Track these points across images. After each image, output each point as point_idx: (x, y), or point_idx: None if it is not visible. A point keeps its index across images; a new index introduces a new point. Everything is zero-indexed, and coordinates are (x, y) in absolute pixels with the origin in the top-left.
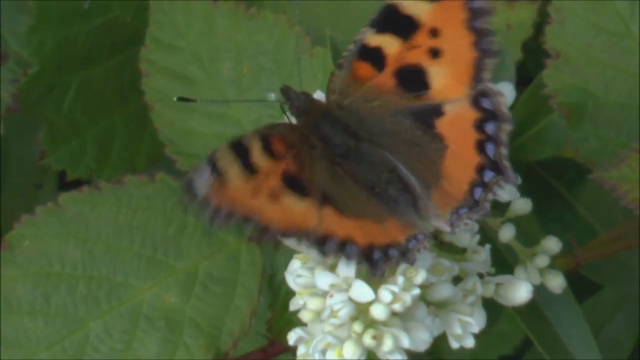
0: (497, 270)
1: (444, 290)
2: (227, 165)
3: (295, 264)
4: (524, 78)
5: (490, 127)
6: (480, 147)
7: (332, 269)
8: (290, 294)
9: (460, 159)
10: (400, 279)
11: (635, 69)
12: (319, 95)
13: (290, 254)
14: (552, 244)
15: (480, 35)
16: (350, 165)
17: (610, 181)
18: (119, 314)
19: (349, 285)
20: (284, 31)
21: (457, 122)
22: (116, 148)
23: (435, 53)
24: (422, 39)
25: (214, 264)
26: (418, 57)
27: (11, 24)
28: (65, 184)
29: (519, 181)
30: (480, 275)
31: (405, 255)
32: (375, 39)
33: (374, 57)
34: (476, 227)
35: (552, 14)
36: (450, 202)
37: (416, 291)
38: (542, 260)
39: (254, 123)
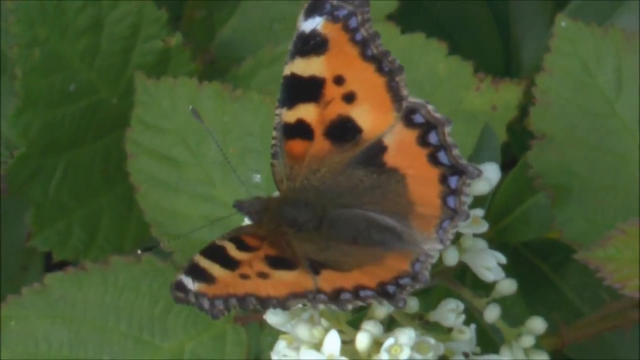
0: (482, 350)
1: None
2: (207, 266)
3: (280, 344)
4: (510, 160)
5: (433, 137)
6: (433, 159)
7: (318, 347)
8: None
9: (421, 179)
10: (385, 356)
11: (621, 150)
12: None
13: (276, 334)
14: (538, 324)
15: (379, 61)
16: (328, 232)
17: (595, 261)
18: None
19: None
20: (269, 112)
21: (402, 148)
22: (103, 229)
23: (349, 98)
24: (331, 92)
25: (200, 344)
26: (337, 109)
27: (1, 107)
28: (52, 266)
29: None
30: (466, 355)
31: (417, 279)
32: (291, 115)
33: (300, 130)
34: (461, 306)
35: (536, 96)
36: (431, 222)
37: None
38: (528, 340)
39: None
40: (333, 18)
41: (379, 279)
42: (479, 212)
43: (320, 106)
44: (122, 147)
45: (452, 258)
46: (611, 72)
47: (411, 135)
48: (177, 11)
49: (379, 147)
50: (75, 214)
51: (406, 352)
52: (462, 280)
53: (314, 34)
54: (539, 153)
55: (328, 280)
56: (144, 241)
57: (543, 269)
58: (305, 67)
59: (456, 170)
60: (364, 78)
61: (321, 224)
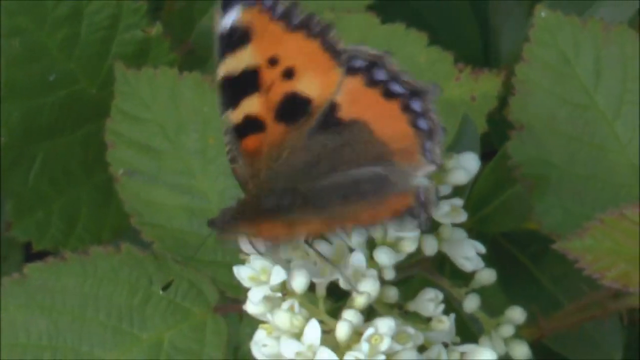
0: (461, 340)
1: (409, 358)
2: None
3: (260, 334)
4: (489, 150)
5: (379, 74)
6: (388, 93)
7: (298, 337)
8: None
9: (385, 118)
10: (365, 346)
11: (599, 141)
12: None
13: (255, 325)
14: (517, 314)
15: (307, 27)
16: (319, 201)
17: (574, 251)
18: None
19: (314, 353)
20: None
21: (354, 96)
22: (82, 219)
23: (289, 73)
24: (270, 75)
25: (179, 335)
26: (281, 89)
27: None
28: (31, 256)
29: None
30: (445, 345)
31: (427, 207)
32: (238, 114)
33: (251, 126)
34: (441, 296)
35: (516, 86)
36: (412, 149)
37: (381, 358)
38: (507, 330)
39: (219, 194)
40: (249, 2)
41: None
42: (458, 201)
43: (263, 94)
44: (102, 137)
45: (431, 248)
46: (590, 62)
47: (359, 80)
48: (157, 2)
49: (333, 107)
50: (55, 204)
51: (386, 342)
52: (441, 270)
53: (235, 25)
54: (518, 143)
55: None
56: (123, 231)
57: (522, 259)
58: (237, 62)
59: (415, 93)
60: (296, 49)
61: (307, 199)
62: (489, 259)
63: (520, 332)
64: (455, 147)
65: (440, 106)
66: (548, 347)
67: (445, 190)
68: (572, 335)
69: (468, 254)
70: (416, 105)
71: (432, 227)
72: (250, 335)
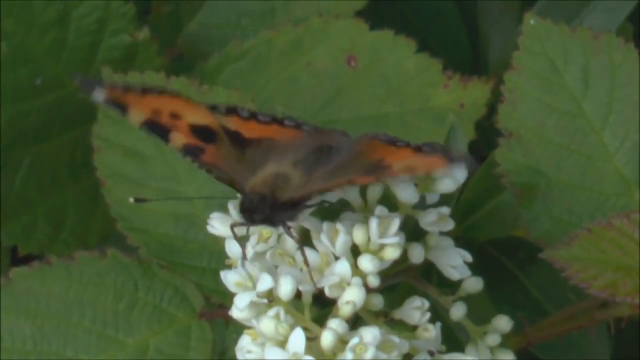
0: (448, 348)
1: None
2: None
3: (245, 340)
4: (477, 157)
5: (244, 113)
6: (260, 122)
7: (282, 345)
8: None
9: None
10: (349, 355)
11: (587, 149)
12: None
13: (241, 331)
14: (503, 323)
15: (151, 91)
16: None
17: (561, 260)
18: None
19: None
20: None
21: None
22: (68, 224)
23: (175, 116)
24: (165, 119)
25: (164, 340)
26: (182, 125)
27: None
28: (19, 260)
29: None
30: (431, 353)
31: None
32: (175, 144)
33: (193, 149)
34: (427, 304)
35: (504, 94)
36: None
37: None
38: (493, 339)
39: (205, 200)
40: (102, 86)
41: None
42: (445, 210)
43: (175, 130)
44: (89, 142)
45: (418, 256)
46: (579, 70)
47: (237, 118)
48: (144, 5)
49: (239, 133)
50: (41, 208)
51: (371, 352)
52: (428, 278)
53: (107, 99)
54: (506, 151)
55: None
56: (109, 236)
57: (509, 266)
58: (137, 117)
59: (276, 119)
60: (160, 102)
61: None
62: (475, 267)
63: (507, 341)
64: None
65: (429, 113)
66: (535, 356)
67: (432, 198)
68: (559, 344)
69: (455, 262)
70: (289, 122)
71: (419, 235)
72: (236, 341)
